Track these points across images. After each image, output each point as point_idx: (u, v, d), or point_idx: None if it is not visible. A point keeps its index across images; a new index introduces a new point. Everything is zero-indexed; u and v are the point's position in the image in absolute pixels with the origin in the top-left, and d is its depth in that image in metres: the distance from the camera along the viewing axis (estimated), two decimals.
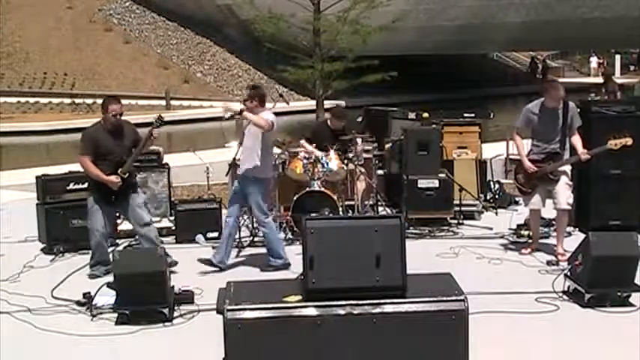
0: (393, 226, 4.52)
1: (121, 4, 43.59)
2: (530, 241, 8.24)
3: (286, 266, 7.55)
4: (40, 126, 28.95)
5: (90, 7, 42.82)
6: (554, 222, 8.24)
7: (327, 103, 15.96)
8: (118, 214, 8.25)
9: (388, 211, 9.62)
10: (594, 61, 53.63)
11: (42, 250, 8.44)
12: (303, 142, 9.45)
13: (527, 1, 31.34)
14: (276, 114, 7.67)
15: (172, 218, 9.08)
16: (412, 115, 10.69)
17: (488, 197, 10.22)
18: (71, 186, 8.50)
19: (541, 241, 8.35)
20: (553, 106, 7.74)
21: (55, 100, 34.63)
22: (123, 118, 7.45)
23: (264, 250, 8.37)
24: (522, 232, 8.55)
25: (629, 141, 7.58)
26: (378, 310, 4.40)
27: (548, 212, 8.41)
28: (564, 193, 7.71)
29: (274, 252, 7.63)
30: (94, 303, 6.32)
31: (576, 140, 7.80)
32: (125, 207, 7.44)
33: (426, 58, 37.48)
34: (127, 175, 7.30)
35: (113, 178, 7.22)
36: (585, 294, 6.21)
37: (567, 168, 7.79)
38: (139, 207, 7.41)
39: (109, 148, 7.28)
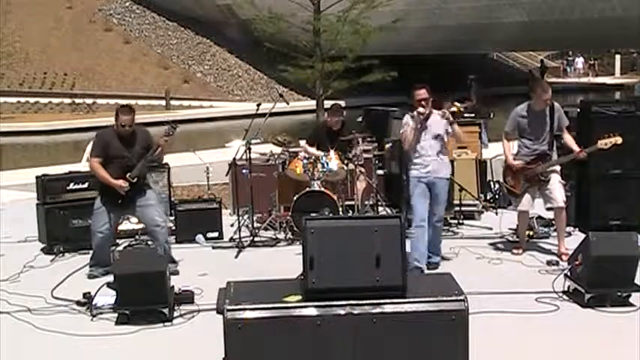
0: (393, 226, 4.52)
1: (121, 4, 43.63)
2: (531, 240, 8.25)
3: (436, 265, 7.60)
4: (40, 126, 28.99)
5: (90, 7, 42.89)
6: (554, 222, 8.23)
7: (327, 103, 15.95)
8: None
9: (388, 211, 9.62)
10: (579, 61, 53.84)
11: (42, 250, 8.43)
12: (303, 143, 9.46)
13: (528, 0, 31.33)
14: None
15: (172, 218, 9.08)
16: None
17: (488, 197, 10.22)
18: (71, 186, 8.48)
19: (541, 240, 8.36)
20: (541, 108, 7.76)
21: (55, 100, 34.68)
22: (137, 123, 7.36)
23: (264, 250, 8.40)
24: None
25: (618, 140, 7.59)
26: (378, 310, 4.40)
27: (548, 212, 8.42)
28: (559, 190, 7.72)
29: (435, 248, 7.61)
30: (94, 303, 6.32)
31: (569, 139, 7.82)
32: (134, 209, 7.41)
33: (425, 58, 37.47)
34: (136, 179, 7.26)
35: (121, 182, 7.18)
36: (585, 294, 6.21)
37: (557, 167, 7.81)
38: (148, 207, 7.34)
39: (118, 151, 7.25)
